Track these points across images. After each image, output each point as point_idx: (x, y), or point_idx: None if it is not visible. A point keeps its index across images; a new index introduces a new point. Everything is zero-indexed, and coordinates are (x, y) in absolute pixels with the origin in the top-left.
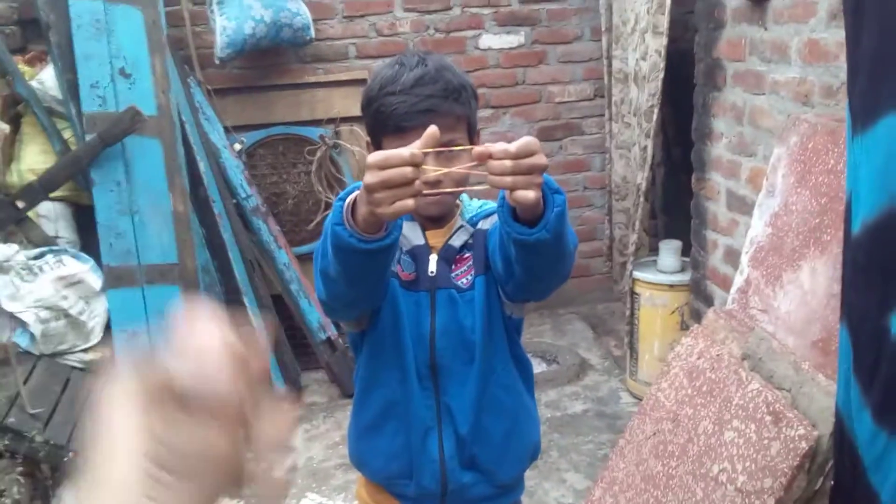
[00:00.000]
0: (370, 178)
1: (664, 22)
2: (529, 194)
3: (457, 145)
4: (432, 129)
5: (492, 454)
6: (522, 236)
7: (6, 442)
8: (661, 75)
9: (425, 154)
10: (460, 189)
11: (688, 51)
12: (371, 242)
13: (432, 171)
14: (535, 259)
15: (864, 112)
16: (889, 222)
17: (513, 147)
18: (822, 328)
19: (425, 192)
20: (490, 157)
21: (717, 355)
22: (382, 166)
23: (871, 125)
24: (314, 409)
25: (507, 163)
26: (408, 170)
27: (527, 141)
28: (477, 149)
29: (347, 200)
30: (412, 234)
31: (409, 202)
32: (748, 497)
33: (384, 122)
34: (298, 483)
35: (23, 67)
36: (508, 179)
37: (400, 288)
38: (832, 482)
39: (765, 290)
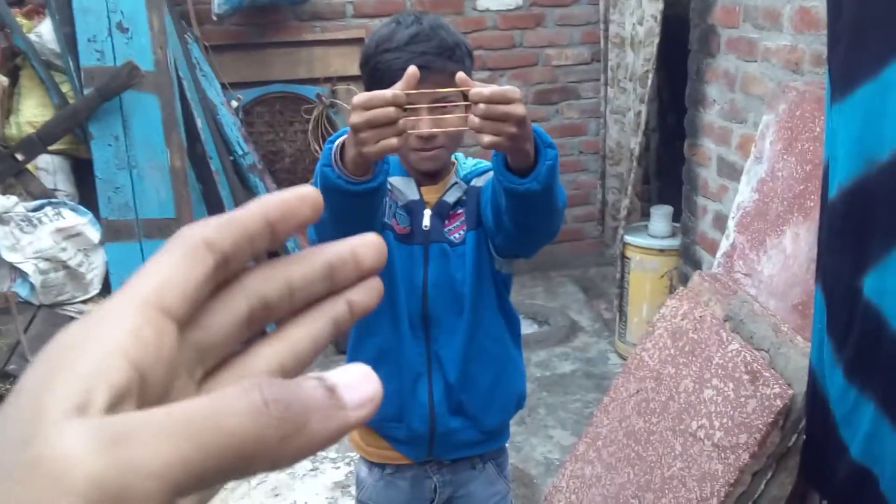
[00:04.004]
0: (356, 118)
1: None
2: (491, 140)
3: (450, 100)
4: (412, 70)
5: (478, 401)
6: (513, 185)
7: (7, 387)
8: (657, 40)
9: (414, 104)
10: (447, 130)
11: (685, 16)
12: (358, 185)
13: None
14: (524, 210)
15: (842, 80)
16: (864, 187)
17: (486, 91)
18: (803, 292)
19: (419, 147)
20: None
21: (700, 317)
22: (367, 106)
23: (849, 93)
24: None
25: (481, 106)
26: (391, 110)
27: (505, 89)
28: (460, 82)
29: (336, 143)
30: (408, 189)
31: (393, 141)
32: (724, 452)
33: (380, 79)
34: None
35: (21, 20)
36: (477, 122)
37: (394, 241)
38: (804, 437)
39: (749, 255)
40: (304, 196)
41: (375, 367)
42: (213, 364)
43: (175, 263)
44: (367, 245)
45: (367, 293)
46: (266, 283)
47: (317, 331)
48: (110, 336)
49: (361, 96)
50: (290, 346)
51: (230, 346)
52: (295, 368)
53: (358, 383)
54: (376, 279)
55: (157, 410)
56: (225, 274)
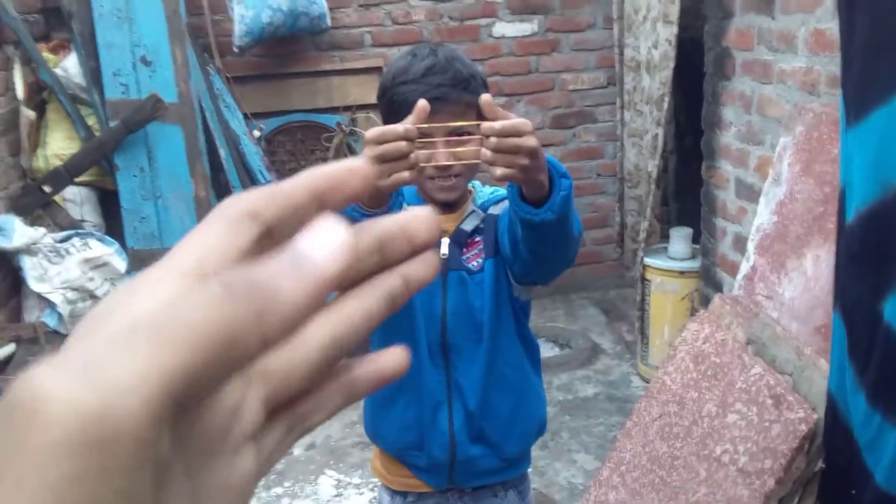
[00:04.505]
0: (368, 152)
1: (675, 11)
2: (503, 172)
3: (466, 132)
4: (422, 103)
5: (499, 429)
6: (528, 216)
7: None
8: (672, 64)
9: (428, 136)
10: (463, 161)
11: (700, 39)
12: (372, 216)
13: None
14: (539, 240)
15: (856, 104)
16: (881, 211)
17: (497, 125)
18: (825, 314)
19: (436, 176)
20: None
21: (722, 340)
22: (379, 141)
23: (863, 117)
24: None
25: (493, 139)
26: (402, 144)
27: (516, 122)
28: (484, 106)
29: None
30: None
31: (405, 174)
32: (749, 477)
33: (397, 111)
34: (316, 460)
35: (47, 55)
36: (490, 155)
37: None
38: (823, 465)
39: (770, 277)
40: (354, 168)
41: (396, 396)
42: None
43: (218, 232)
44: (417, 219)
45: (422, 267)
46: None
47: (369, 304)
48: (141, 306)
49: (374, 131)
50: (343, 319)
51: None
52: (348, 340)
53: (320, 237)
54: (431, 253)
55: (122, 329)
56: (270, 245)
